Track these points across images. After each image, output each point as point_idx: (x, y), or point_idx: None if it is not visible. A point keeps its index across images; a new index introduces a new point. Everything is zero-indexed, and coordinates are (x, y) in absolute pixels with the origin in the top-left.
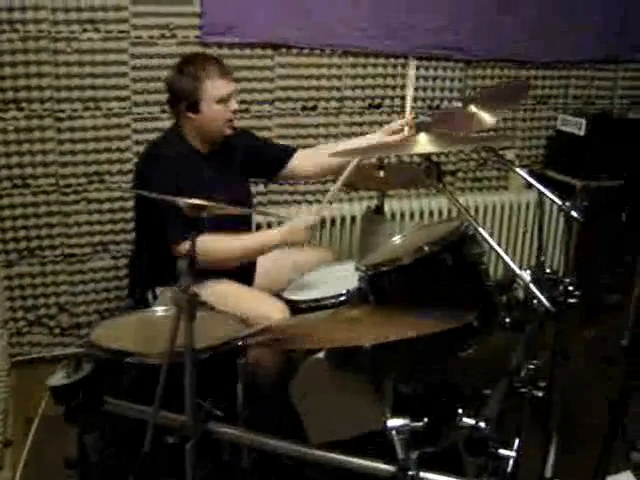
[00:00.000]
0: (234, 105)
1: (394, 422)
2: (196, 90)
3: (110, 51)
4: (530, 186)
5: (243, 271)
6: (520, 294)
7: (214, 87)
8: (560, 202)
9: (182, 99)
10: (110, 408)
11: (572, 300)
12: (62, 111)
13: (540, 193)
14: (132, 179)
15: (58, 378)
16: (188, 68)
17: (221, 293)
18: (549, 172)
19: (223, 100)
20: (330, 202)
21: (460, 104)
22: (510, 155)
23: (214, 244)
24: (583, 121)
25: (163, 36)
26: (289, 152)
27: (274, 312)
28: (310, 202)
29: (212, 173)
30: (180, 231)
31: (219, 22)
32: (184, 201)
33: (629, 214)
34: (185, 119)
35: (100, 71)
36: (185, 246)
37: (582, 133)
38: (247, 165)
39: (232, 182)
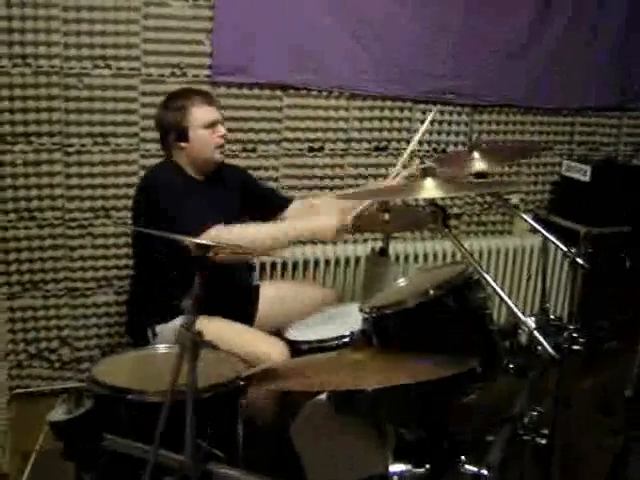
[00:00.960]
0: (222, 130)
1: (396, 467)
2: (182, 119)
3: (120, 88)
4: (535, 231)
5: (245, 310)
6: (523, 339)
7: (199, 113)
8: (565, 248)
9: (170, 131)
10: (109, 445)
11: (576, 347)
12: (71, 145)
13: (545, 238)
14: (132, 215)
15: (59, 413)
16: (173, 102)
17: (219, 331)
18: (553, 218)
19: (210, 125)
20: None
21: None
22: (515, 200)
23: (234, 233)
24: (588, 168)
25: (173, 74)
26: (286, 202)
27: (274, 352)
28: (314, 242)
29: (206, 199)
30: (199, 220)
31: (229, 62)
32: (191, 240)
33: (633, 260)
34: (176, 151)
35: (110, 107)
36: (211, 231)
37: (587, 179)
38: (243, 202)
39: (226, 210)
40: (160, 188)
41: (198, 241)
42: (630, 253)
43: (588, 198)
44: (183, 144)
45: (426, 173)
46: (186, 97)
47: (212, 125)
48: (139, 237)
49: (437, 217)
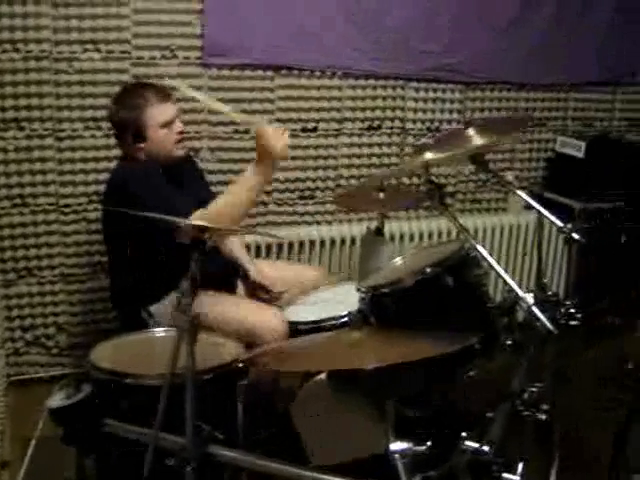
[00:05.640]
0: (179, 126)
1: (397, 445)
2: (139, 119)
3: (111, 71)
4: (529, 208)
5: (225, 278)
6: (520, 316)
7: (156, 113)
8: (561, 224)
9: (127, 130)
10: (109, 430)
11: (574, 322)
12: (62, 130)
13: (540, 215)
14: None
15: (57, 399)
16: (127, 99)
17: (215, 303)
18: (548, 194)
19: (167, 124)
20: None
21: (461, 126)
22: (509, 177)
23: (216, 207)
24: (583, 144)
25: (164, 57)
26: None
27: (274, 322)
28: (309, 223)
29: (173, 185)
30: (183, 207)
31: (220, 44)
32: (187, 223)
33: (628, 236)
34: (134, 150)
35: (101, 91)
36: (197, 214)
37: (582, 155)
38: None
39: (194, 190)
40: (135, 181)
41: (197, 223)
42: (625, 228)
43: (583, 174)
44: (141, 144)
45: (421, 150)
46: (141, 95)
47: (169, 123)
48: (116, 229)
49: (434, 194)
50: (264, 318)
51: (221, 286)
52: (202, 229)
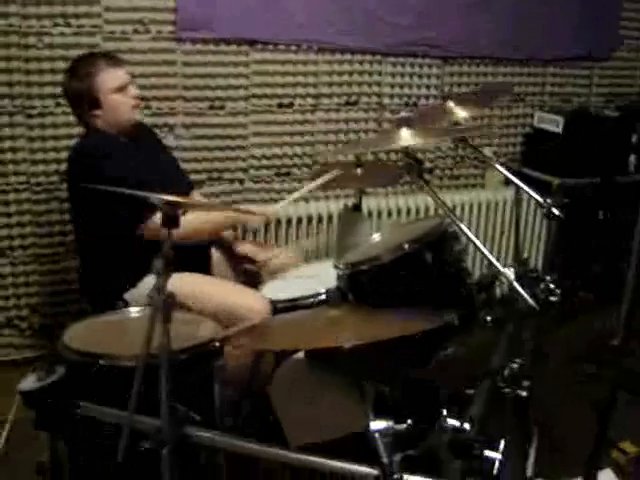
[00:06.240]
0: (134, 91)
1: (377, 424)
2: (91, 86)
3: (82, 46)
4: (507, 183)
5: (199, 260)
6: (499, 292)
7: (107, 78)
8: (541, 199)
9: (82, 100)
10: (83, 412)
11: (553, 298)
12: (33, 107)
13: (518, 190)
14: (68, 185)
15: (30, 382)
16: (78, 69)
17: (197, 285)
18: (526, 169)
19: (120, 89)
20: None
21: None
22: (487, 152)
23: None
24: (561, 119)
25: (136, 31)
26: (190, 186)
27: (255, 304)
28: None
29: (141, 156)
30: (145, 207)
31: (194, 17)
32: (158, 197)
33: (606, 212)
34: (92, 119)
35: None
36: (157, 217)
37: (559, 130)
38: None
39: (163, 163)
40: (100, 155)
41: (169, 198)
42: (602, 204)
43: (561, 149)
44: (97, 111)
45: (401, 123)
46: (91, 63)
47: (123, 88)
48: (85, 210)
49: (413, 170)
50: (246, 301)
51: (195, 261)
52: (175, 205)
